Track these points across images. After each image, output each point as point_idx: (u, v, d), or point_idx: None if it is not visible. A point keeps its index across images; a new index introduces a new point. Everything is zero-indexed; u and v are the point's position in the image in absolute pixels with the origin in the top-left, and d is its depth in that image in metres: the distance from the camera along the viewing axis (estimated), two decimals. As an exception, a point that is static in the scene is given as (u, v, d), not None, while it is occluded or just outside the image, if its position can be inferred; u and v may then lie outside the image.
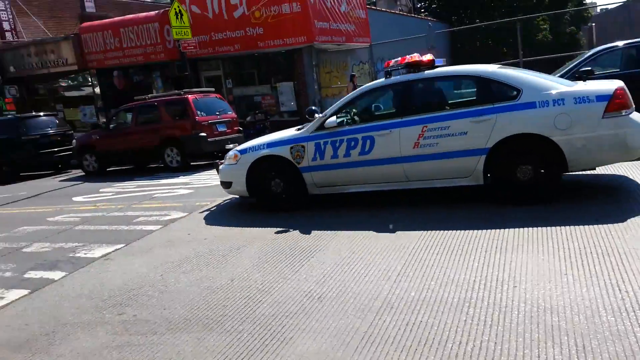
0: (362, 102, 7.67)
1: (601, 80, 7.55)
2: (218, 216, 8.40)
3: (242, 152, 8.04)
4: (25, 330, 4.94)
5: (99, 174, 14.84)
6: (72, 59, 21.13)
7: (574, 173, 7.16)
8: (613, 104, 5.90)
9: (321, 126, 7.38)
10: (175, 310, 4.91)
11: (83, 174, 15.31)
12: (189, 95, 14.08)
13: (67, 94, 23.57)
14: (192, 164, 14.33)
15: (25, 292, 5.97)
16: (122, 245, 7.37)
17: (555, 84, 6.35)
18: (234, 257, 6.18)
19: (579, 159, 6.11)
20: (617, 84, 6.18)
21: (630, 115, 5.99)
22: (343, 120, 7.38)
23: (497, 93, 6.43)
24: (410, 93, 7.05)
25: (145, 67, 21.05)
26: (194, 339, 4.27)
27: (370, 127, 7.08)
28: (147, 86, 20.98)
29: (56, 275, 6.43)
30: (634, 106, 6.13)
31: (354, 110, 7.58)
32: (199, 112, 13.81)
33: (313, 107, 7.99)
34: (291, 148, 7.55)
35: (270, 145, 7.80)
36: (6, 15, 23.86)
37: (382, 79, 7.45)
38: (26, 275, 6.53)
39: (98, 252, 7.17)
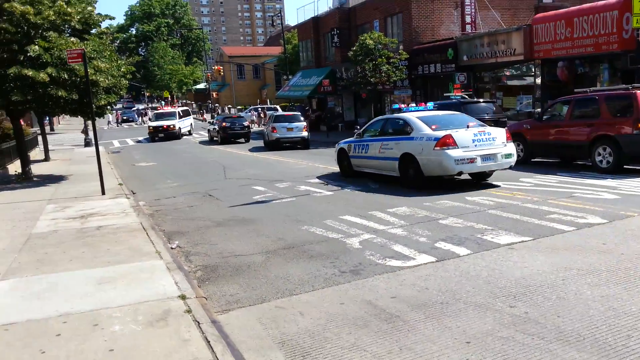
0: (370, 126, 13.89)
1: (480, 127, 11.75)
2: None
3: (340, 143, 14.87)
4: (425, 294, 5.43)
5: (522, 163, 14.84)
6: (520, 49, 21.56)
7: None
8: (439, 143, 11.01)
9: (357, 136, 14.11)
10: (569, 322, 4.51)
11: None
12: (638, 91, 12.38)
13: (509, 82, 24.32)
14: (625, 167, 12.70)
15: (432, 259, 6.55)
16: (529, 238, 7.19)
17: (426, 128, 11.54)
18: (655, 285, 5.20)
19: (426, 169, 11.34)
20: (450, 132, 11.17)
21: (446, 150, 10.93)
22: (360, 134, 14.03)
23: (405, 130, 12.08)
24: (384, 124, 13.19)
25: (592, 59, 19.63)
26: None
27: (367, 139, 13.48)
28: (592, 79, 19.56)
29: (461, 251, 6.81)
30: (457, 145, 10.96)
31: (370, 129, 13.79)
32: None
33: (357, 126, 15.22)
34: (348, 145, 14.23)
35: (344, 142, 14.62)
36: (470, 10, 26.13)
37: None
38: (436, 245, 7.16)
39: (504, 239, 7.21)
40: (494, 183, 11.95)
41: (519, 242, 7.07)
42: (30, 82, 13.57)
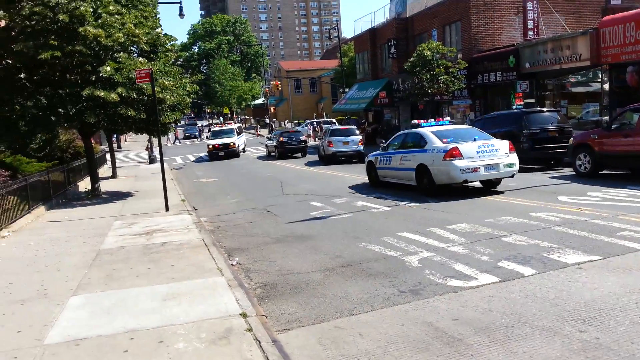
0: (393, 141, 15.41)
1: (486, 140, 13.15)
2: None
3: (369, 156, 16.57)
4: (488, 316, 5.27)
5: (590, 176, 14.20)
6: (586, 54, 20.73)
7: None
8: (447, 154, 12.42)
9: (382, 149, 15.65)
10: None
11: (573, 173, 14.99)
12: None
13: (574, 90, 23.40)
14: None
15: (496, 279, 6.35)
16: (599, 257, 6.85)
17: (438, 141, 12.98)
18: None
19: (437, 179, 12.76)
20: (457, 145, 12.58)
21: (453, 161, 12.31)
22: (385, 147, 15.56)
23: (420, 143, 13.56)
24: (404, 138, 14.78)
25: (666, 63, 18.60)
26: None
27: (390, 152, 15.01)
28: (665, 84, 18.50)
29: (526, 271, 6.57)
30: (462, 156, 12.36)
31: (393, 143, 15.32)
32: None
33: (382, 140, 17.33)
34: (375, 158, 15.81)
35: (372, 155, 16.17)
36: (532, 15, 25.39)
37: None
38: (499, 264, 6.94)
39: (572, 258, 6.91)
40: (560, 198, 11.49)
41: (588, 261, 6.75)
42: (101, 103, 14.31)
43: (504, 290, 5.96)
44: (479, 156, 12.43)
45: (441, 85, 25.91)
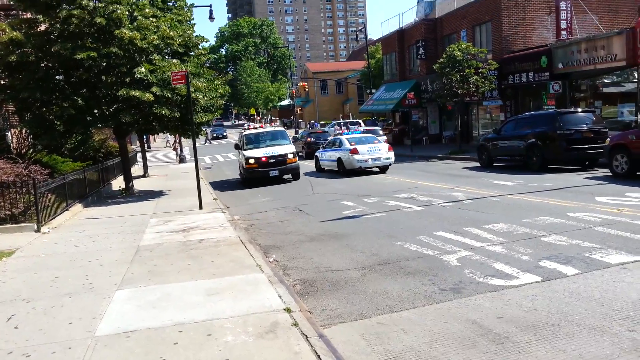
0: (327, 144, 23.72)
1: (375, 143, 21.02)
2: None
3: (316, 153, 24.21)
4: (533, 315, 5.23)
5: (626, 177, 13.92)
6: (621, 54, 20.29)
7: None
8: (351, 151, 20.11)
9: (322, 148, 24.07)
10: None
11: (609, 174, 14.71)
12: None
13: (608, 90, 22.94)
14: None
15: (538, 278, 6.30)
16: (643, 258, 6.74)
17: (348, 144, 20.68)
18: None
19: (346, 165, 20.48)
20: (357, 146, 20.39)
21: (354, 155, 20.03)
22: (324, 147, 23.62)
23: (339, 145, 21.81)
24: (333, 142, 22.90)
25: None
26: None
27: (326, 150, 22.94)
28: None
29: (568, 270, 6.50)
30: (359, 153, 20.02)
31: (327, 145, 23.45)
32: None
33: (323, 141, 27.77)
34: (319, 153, 23.83)
35: (318, 152, 24.05)
36: (565, 14, 24.97)
37: None
38: (540, 263, 6.87)
39: (615, 258, 6.81)
40: (597, 199, 11.30)
41: (632, 261, 6.64)
42: (136, 103, 14.60)
43: (548, 290, 5.90)
44: (369, 153, 20.10)
45: (471, 86, 25.65)
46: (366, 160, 19.83)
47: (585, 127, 16.78)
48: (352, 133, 22.73)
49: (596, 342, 4.50)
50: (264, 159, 19.45)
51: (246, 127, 23.58)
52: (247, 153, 19.82)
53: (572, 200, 11.16)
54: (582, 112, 17.86)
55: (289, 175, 20.43)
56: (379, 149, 20.23)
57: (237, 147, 22.27)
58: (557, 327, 4.90)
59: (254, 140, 20.94)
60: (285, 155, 19.76)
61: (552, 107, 22.52)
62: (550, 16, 26.61)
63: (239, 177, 22.64)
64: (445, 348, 4.66)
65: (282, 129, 24.06)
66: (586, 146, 16.49)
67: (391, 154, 20.34)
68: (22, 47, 14.93)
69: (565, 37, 24.47)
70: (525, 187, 13.64)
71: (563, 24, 24.98)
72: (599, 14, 26.27)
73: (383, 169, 20.72)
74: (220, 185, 21.15)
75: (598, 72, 22.33)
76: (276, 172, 19.43)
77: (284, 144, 20.60)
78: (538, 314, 5.24)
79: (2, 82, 15.86)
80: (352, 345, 4.90)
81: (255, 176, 19.50)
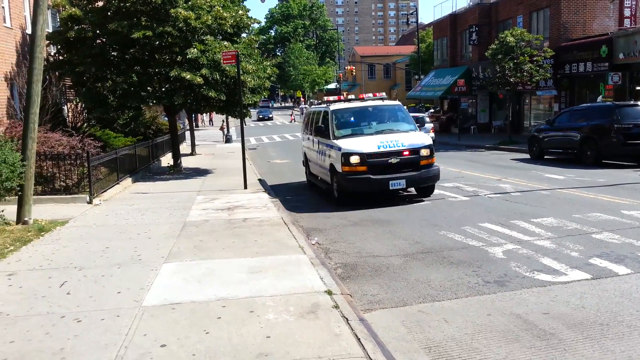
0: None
1: None
2: None
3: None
4: (581, 313, 5.09)
5: (688, 176, 13.27)
6: (688, 46, 19.24)
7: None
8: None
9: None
10: None
11: (669, 171, 14.05)
12: None
13: (672, 84, 21.81)
14: None
15: (587, 276, 6.11)
16: (703, 261, 6.42)
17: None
18: None
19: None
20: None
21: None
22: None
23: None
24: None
25: None
26: None
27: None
28: None
29: (620, 269, 6.27)
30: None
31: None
32: None
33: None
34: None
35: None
36: (630, 2, 23.76)
37: None
38: (591, 261, 6.66)
39: (671, 260, 6.52)
40: (655, 196, 10.81)
41: (690, 264, 6.34)
42: (187, 84, 14.84)
43: (597, 288, 5.72)
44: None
45: (525, 74, 24.84)
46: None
47: (644, 122, 16.02)
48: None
49: (647, 345, 4.34)
50: (379, 155, 11.15)
51: (319, 102, 15.56)
52: (345, 144, 11.46)
53: (627, 198, 10.73)
54: (642, 105, 17.04)
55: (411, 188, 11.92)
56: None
57: (310, 130, 14.31)
58: (605, 326, 4.75)
59: (354, 122, 12.48)
60: (416, 150, 11.41)
61: (610, 98, 21.58)
62: (613, 3, 25.37)
63: (305, 180, 15.77)
64: (487, 340, 4.59)
65: (398, 102, 14.20)
66: (645, 142, 15.77)
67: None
68: (81, 23, 15.38)
69: (629, 26, 23.35)
70: (577, 182, 13.18)
71: (627, 12, 23.84)
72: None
73: None
74: (263, 166, 21.30)
75: (662, 64, 21.24)
76: (401, 183, 11.10)
77: (407, 130, 12.28)
78: (586, 312, 5.09)
79: (60, 57, 16.40)
80: (393, 332, 4.89)
81: (361, 187, 11.25)
